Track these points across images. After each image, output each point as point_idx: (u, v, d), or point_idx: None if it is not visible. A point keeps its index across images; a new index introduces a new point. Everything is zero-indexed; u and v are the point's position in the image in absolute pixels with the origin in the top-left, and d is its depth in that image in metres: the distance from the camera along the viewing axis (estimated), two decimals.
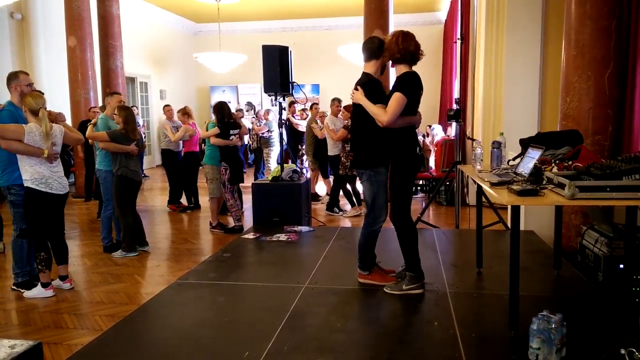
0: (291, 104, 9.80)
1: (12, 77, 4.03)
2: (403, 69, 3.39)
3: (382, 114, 3.30)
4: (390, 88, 3.47)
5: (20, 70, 4.24)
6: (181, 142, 7.53)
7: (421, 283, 3.51)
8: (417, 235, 3.54)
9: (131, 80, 12.39)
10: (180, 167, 7.56)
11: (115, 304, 3.78)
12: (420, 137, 8.48)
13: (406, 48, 3.33)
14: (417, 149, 3.45)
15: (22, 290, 4.01)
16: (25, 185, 3.82)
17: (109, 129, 4.99)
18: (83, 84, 8.87)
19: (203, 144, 7.21)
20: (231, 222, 6.24)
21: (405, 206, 3.50)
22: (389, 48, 3.38)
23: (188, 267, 4.46)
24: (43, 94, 4.02)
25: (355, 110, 3.57)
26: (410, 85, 3.34)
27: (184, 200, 7.69)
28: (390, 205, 3.53)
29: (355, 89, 3.49)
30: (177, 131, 7.39)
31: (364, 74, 3.54)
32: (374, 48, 3.52)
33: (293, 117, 9.51)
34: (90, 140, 5.59)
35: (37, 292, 3.95)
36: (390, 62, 3.47)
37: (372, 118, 3.38)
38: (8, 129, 3.69)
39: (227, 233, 5.98)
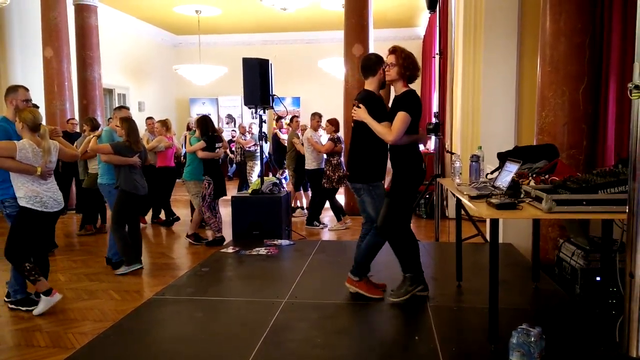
0: (278, 119, 9.83)
1: (11, 91, 3.85)
2: (403, 87, 3.39)
3: (387, 134, 3.30)
4: (390, 105, 3.48)
5: (21, 85, 4.00)
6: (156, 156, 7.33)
7: (422, 280, 3.56)
8: (417, 242, 3.62)
9: (109, 91, 12.22)
10: (155, 182, 7.36)
11: (90, 321, 3.66)
12: None
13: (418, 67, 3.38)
14: (423, 164, 3.49)
15: (25, 308, 3.83)
16: (20, 204, 3.67)
17: (112, 142, 4.91)
18: (59, 95, 8.71)
19: (183, 158, 7.08)
20: (210, 235, 6.17)
21: (403, 216, 3.51)
22: (413, 65, 3.34)
23: (165, 283, 4.37)
24: (38, 107, 3.85)
25: (356, 126, 3.54)
26: (415, 104, 3.34)
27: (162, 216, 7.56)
28: (383, 214, 3.48)
29: (357, 105, 3.43)
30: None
31: (364, 90, 3.51)
32: (371, 65, 3.50)
33: (280, 131, 9.52)
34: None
35: (45, 304, 3.75)
36: (397, 78, 3.39)
37: (373, 133, 3.37)
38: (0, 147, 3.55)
39: (207, 246, 5.89)
